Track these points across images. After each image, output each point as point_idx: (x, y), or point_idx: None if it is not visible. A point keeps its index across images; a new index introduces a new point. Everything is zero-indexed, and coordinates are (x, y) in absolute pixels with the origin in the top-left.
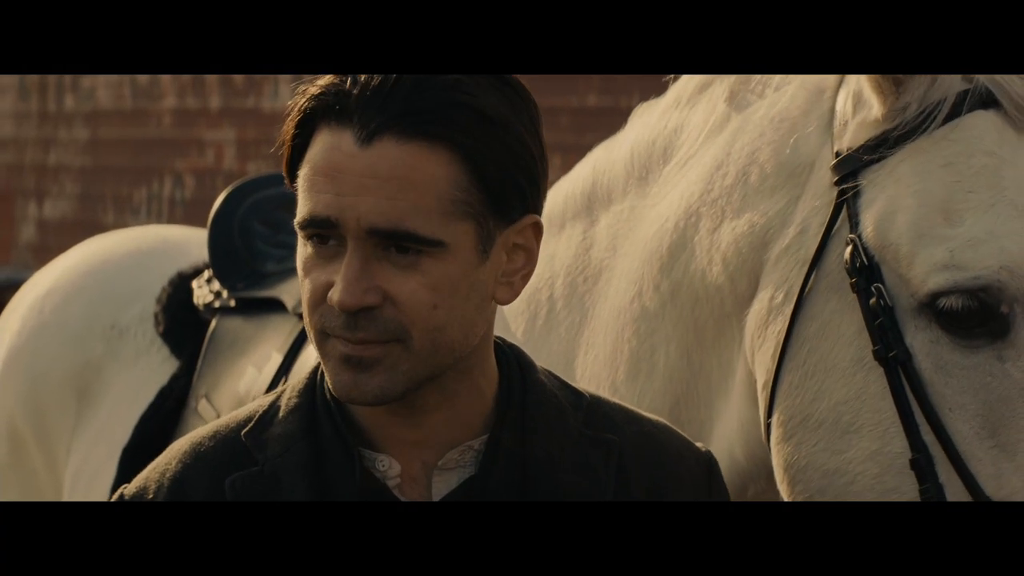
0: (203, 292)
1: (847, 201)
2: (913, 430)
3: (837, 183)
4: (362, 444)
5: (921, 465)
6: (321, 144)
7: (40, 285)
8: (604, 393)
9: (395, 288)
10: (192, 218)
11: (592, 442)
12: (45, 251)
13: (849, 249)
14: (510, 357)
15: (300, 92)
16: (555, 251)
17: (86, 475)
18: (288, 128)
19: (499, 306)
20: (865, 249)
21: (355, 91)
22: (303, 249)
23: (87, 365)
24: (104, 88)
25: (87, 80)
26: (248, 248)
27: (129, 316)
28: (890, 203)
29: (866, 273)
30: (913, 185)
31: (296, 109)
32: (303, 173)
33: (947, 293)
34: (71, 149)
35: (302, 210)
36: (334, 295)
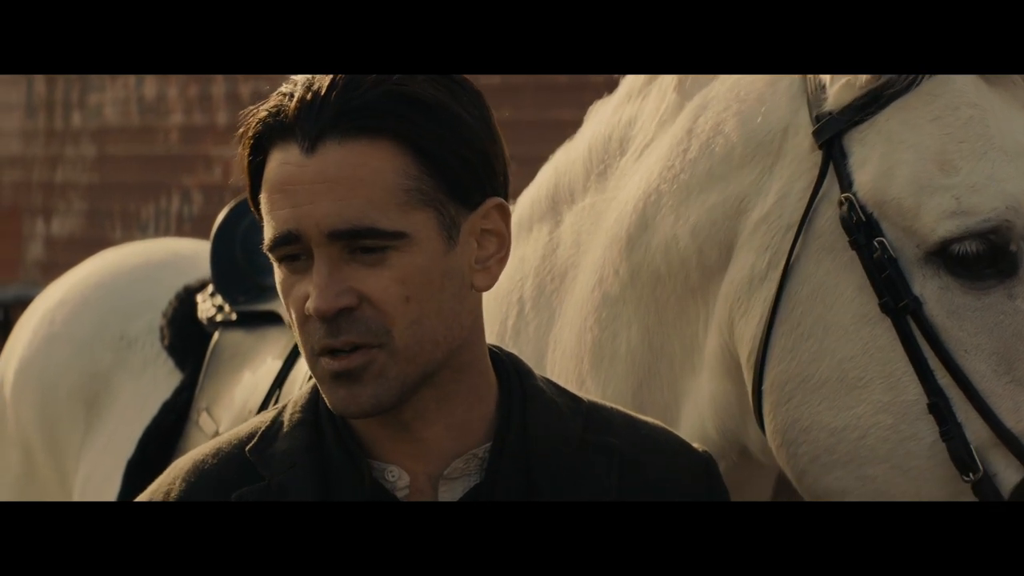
0: (206, 306)
1: (834, 162)
2: (928, 376)
3: (821, 147)
4: (368, 456)
5: (940, 408)
6: (273, 163)
7: (52, 297)
8: (572, 387)
9: (367, 287)
10: (199, 234)
11: (593, 447)
12: (53, 268)
13: (844, 208)
14: (507, 364)
15: (247, 116)
16: (524, 254)
17: (94, 485)
18: (242, 155)
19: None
20: (862, 207)
21: (292, 104)
22: (279, 273)
23: (96, 375)
24: (111, 105)
25: (94, 97)
26: (250, 262)
27: (138, 327)
28: (884, 160)
29: (865, 229)
30: (906, 140)
31: (245, 135)
32: (263, 197)
33: (959, 239)
34: (78, 166)
35: (267, 233)
36: (310, 304)
